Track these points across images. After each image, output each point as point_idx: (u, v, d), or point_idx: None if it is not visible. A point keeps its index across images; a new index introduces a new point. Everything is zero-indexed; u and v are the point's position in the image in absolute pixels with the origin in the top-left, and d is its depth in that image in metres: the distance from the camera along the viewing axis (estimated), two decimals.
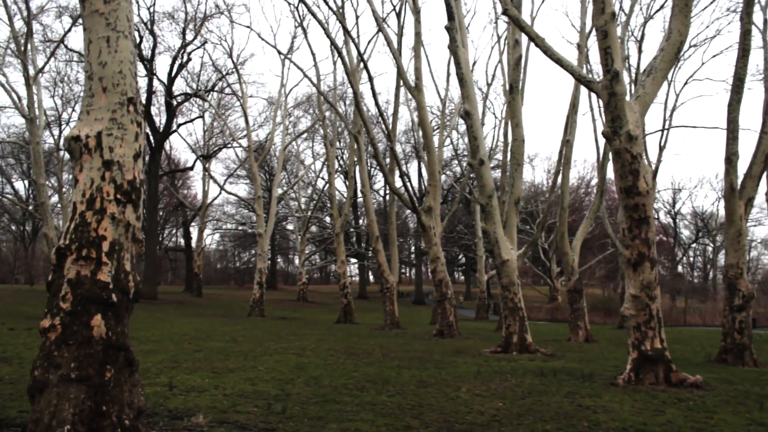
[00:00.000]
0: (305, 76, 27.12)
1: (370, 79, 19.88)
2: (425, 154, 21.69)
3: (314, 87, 28.04)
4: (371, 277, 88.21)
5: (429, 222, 21.08)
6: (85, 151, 5.69)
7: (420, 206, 21.33)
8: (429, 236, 21.05)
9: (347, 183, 62.19)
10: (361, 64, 28.34)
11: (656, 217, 57.70)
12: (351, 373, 11.08)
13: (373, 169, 59.73)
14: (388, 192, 69.55)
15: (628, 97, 10.65)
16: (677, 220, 79.69)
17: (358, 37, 28.38)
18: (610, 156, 11.73)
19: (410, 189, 20.93)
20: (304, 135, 53.28)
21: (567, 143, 21.47)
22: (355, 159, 32.03)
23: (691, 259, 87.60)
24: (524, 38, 17.30)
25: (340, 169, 58.48)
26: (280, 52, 29.54)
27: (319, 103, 32.47)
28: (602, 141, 32.43)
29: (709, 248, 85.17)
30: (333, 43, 21.00)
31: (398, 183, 33.97)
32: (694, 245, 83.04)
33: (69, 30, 30.54)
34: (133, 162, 5.83)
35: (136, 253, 5.81)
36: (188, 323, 25.01)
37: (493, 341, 20.16)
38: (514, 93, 16.85)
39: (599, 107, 34.22)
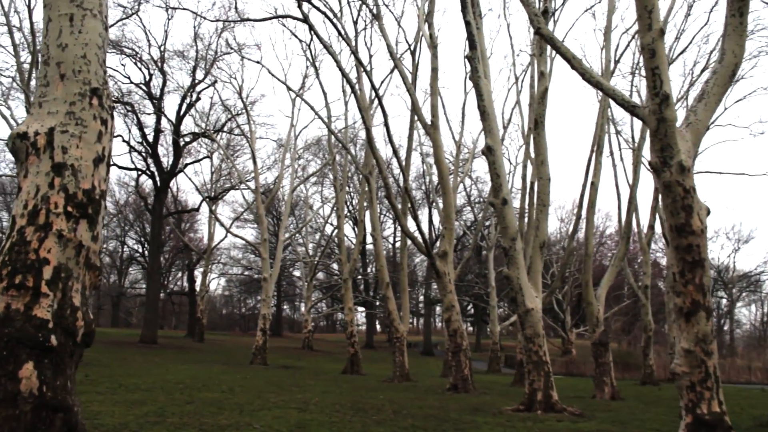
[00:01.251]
0: (316, 114, 26.16)
1: (384, 114, 18.78)
2: (438, 199, 20.58)
3: (325, 126, 27.04)
4: (377, 326, 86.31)
5: (444, 268, 19.74)
6: (32, 152, 4.43)
7: (434, 251, 20.02)
8: (444, 283, 19.68)
9: (356, 228, 61.22)
10: (375, 101, 27.43)
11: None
12: None
13: (382, 216, 58.65)
14: (398, 239, 68.39)
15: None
16: None
17: (371, 73, 27.42)
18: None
19: (424, 232, 19.60)
20: (313, 179, 52.42)
21: (592, 186, 20.21)
22: (366, 202, 30.94)
23: None
24: (549, 68, 16.17)
25: (349, 214, 57.31)
26: (290, 89, 28.70)
27: (329, 145, 31.47)
28: (623, 185, 31.13)
29: (723, 301, 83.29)
30: (346, 77, 19.96)
31: (410, 227, 32.73)
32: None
33: None
34: (93, 167, 4.58)
35: (92, 284, 4.51)
36: (185, 370, 23.55)
37: (512, 397, 18.64)
38: (539, 128, 15.69)
39: (619, 147, 32.96)
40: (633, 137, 31.05)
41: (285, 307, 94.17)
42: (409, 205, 21.20)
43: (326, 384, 20.34)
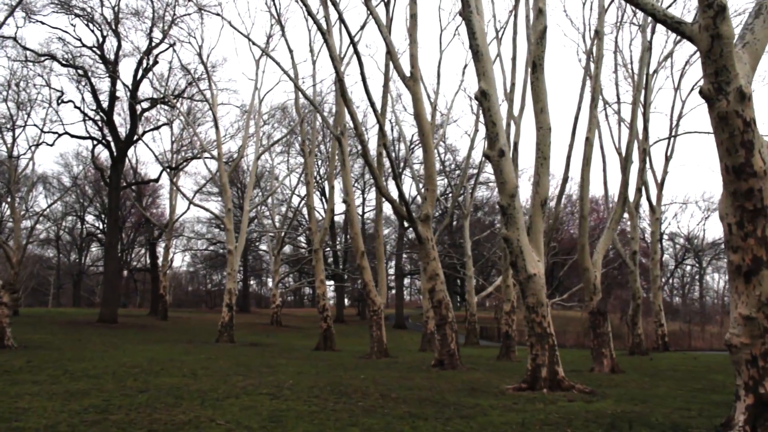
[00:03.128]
0: (283, 70, 23.95)
1: (360, 62, 16.77)
2: (412, 163, 18.74)
3: (291, 82, 24.88)
4: (346, 300, 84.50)
5: (426, 233, 17.95)
6: None
7: (416, 215, 18.20)
8: (426, 249, 17.90)
9: (326, 196, 59.25)
10: (347, 52, 25.41)
11: (642, 236, 55.20)
12: (348, 429, 7.88)
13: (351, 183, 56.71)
14: (368, 208, 66.58)
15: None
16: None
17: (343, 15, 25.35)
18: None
19: (404, 194, 17.75)
20: (279, 148, 50.24)
21: (587, 141, 18.52)
22: (337, 165, 28.96)
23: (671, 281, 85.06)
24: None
25: (317, 183, 55.20)
26: (254, 44, 26.40)
27: (296, 106, 29.33)
28: (624, 141, 29.64)
29: (688, 269, 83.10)
30: (315, 21, 17.90)
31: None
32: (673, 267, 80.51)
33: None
34: None
35: None
36: (145, 351, 21.56)
37: (505, 373, 17.03)
38: (537, 72, 13.87)
39: (619, 100, 31.34)
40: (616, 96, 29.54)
41: (252, 282, 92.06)
42: (388, 165, 19.30)
43: (299, 363, 18.53)
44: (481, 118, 34.79)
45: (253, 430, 7.67)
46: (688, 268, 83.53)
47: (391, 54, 18.40)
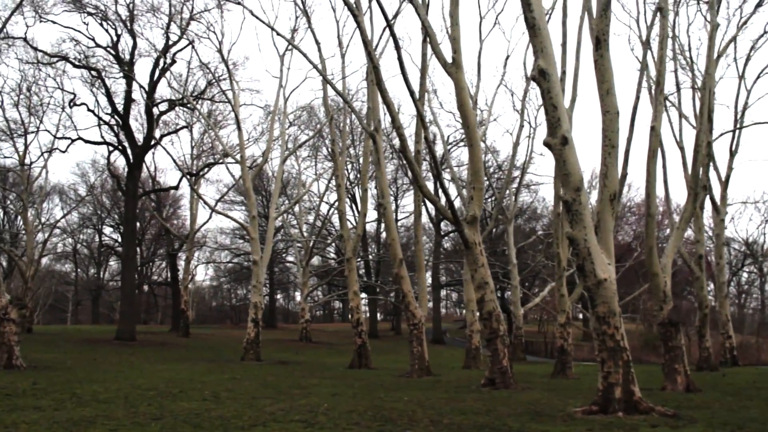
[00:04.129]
0: (310, 62, 23.08)
1: (397, 45, 15.80)
2: (451, 164, 17.69)
3: (318, 76, 23.98)
4: (378, 314, 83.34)
5: (474, 236, 16.86)
6: None
7: (462, 217, 17.11)
8: (474, 255, 16.80)
9: (356, 203, 58.35)
10: (380, 37, 24.49)
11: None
12: None
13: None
14: (402, 213, 65.43)
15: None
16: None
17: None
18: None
19: (449, 193, 16.69)
20: (306, 153, 49.51)
21: (653, 131, 17.32)
22: (371, 166, 27.97)
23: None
24: None
25: (348, 187, 54.29)
26: (279, 34, 25.35)
27: (325, 103, 28.42)
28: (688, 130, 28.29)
29: (745, 276, 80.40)
30: (346, 2, 16.97)
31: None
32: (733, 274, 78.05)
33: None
34: None
35: None
36: (163, 371, 20.73)
37: (565, 392, 15.90)
38: (601, 49, 12.78)
39: (678, 87, 29.90)
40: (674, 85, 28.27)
41: (278, 296, 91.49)
42: (431, 162, 18.25)
43: (333, 383, 17.52)
44: (527, 115, 33.81)
45: None
46: (745, 276, 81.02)
47: (430, 37, 17.37)
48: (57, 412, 10.60)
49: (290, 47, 28.94)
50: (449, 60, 17.25)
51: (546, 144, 11.99)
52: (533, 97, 36.02)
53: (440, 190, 17.08)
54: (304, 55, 23.34)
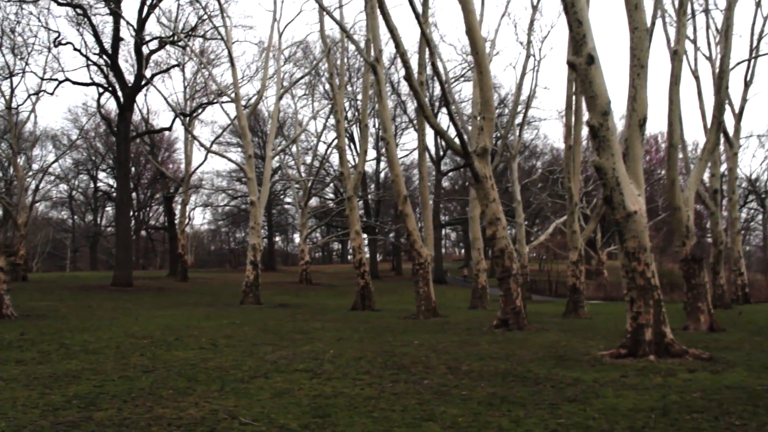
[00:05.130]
0: None
1: None
2: (454, 98, 16.51)
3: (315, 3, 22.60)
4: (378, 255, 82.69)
5: (484, 169, 15.84)
6: None
7: (472, 149, 16.04)
8: (485, 189, 15.79)
9: (355, 143, 57.15)
10: None
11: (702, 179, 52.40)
12: (423, 425, 5.94)
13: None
14: (403, 154, 64.20)
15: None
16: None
17: None
18: None
19: (458, 124, 15.59)
20: (302, 91, 48.20)
21: (675, 55, 16.16)
22: (370, 101, 26.77)
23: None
24: None
25: (347, 123, 52.98)
26: None
27: (322, 34, 27.06)
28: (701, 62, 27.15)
29: (744, 214, 79.38)
30: None
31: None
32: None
33: None
34: None
35: None
36: (159, 317, 19.86)
37: (582, 333, 15.07)
38: None
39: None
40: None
41: (277, 239, 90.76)
42: (441, 88, 17.07)
43: (337, 326, 16.68)
44: (533, 48, 32.44)
45: (292, 430, 5.74)
46: (745, 213, 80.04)
47: None
48: (40, 365, 9.71)
49: None
50: None
51: (570, 63, 10.88)
52: (538, 28, 34.53)
53: (449, 122, 15.83)
54: None
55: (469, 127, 26.61)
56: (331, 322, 18.41)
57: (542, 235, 41.12)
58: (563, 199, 49.61)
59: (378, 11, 21.79)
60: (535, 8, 29.72)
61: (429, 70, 27.36)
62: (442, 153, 62.17)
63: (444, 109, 47.89)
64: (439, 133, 16.03)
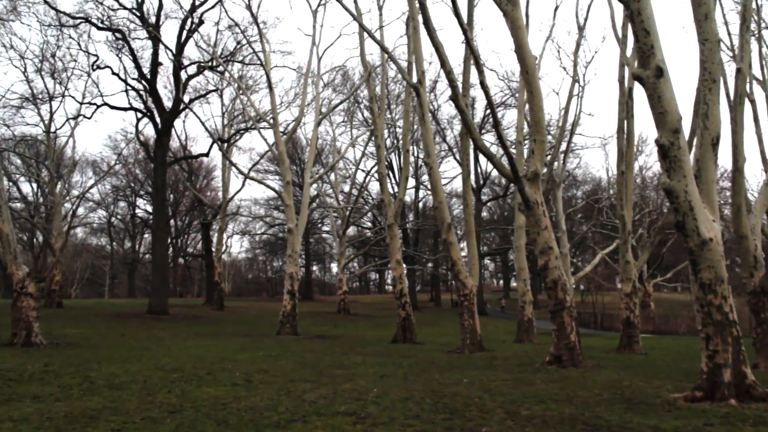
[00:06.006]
0: (345, 9, 21.13)
1: None
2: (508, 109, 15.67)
3: (355, 24, 21.95)
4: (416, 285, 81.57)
5: (535, 195, 14.93)
6: None
7: (522, 174, 15.14)
8: (537, 216, 14.87)
9: (396, 166, 56.47)
10: None
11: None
12: None
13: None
14: (445, 181, 63.27)
15: None
16: None
17: None
18: None
19: (508, 146, 14.74)
20: (340, 118, 47.76)
21: (739, 73, 15.16)
22: (411, 123, 26.00)
23: None
24: None
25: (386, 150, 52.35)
26: None
27: (362, 57, 26.47)
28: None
29: None
30: None
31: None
32: None
33: None
34: None
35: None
36: (193, 347, 19.18)
37: (643, 371, 14.01)
38: None
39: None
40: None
41: (314, 268, 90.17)
42: (488, 107, 16.23)
43: (379, 360, 15.77)
44: (578, 72, 31.45)
45: None
46: None
47: None
48: (58, 403, 8.96)
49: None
50: None
51: (636, 77, 9.99)
52: (582, 53, 33.56)
53: (498, 144, 14.93)
54: (339, 1, 21.30)
55: (513, 151, 25.67)
56: (372, 355, 17.51)
57: (588, 266, 39.82)
58: (607, 228, 48.44)
59: (420, 33, 21.23)
60: (581, 30, 28.85)
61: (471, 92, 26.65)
62: (482, 182, 61.29)
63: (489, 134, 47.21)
64: (487, 155, 15.14)
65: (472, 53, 14.90)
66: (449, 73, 15.12)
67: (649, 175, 59.37)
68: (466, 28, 14.40)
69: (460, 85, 18.43)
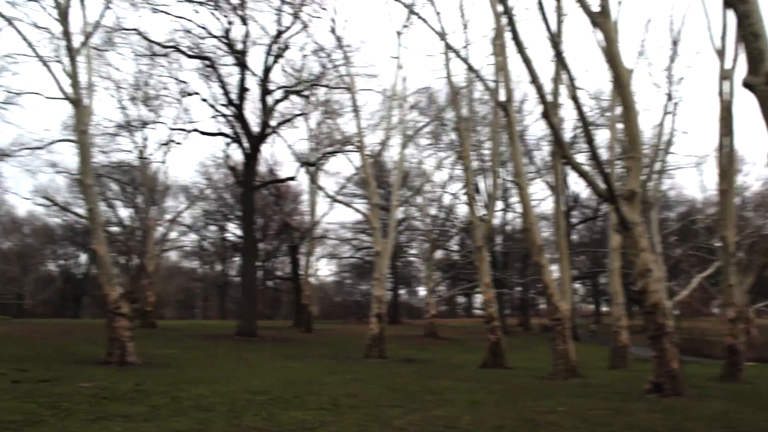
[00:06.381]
0: (431, 28, 20.94)
1: None
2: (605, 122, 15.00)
3: (440, 38, 21.65)
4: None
5: (633, 215, 14.25)
6: None
7: (618, 193, 14.49)
8: (634, 237, 14.17)
9: (481, 188, 55.84)
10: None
11: None
12: None
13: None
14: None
15: None
16: None
17: None
18: None
19: (602, 163, 14.15)
20: (426, 142, 47.59)
21: None
22: (499, 143, 25.54)
23: None
24: None
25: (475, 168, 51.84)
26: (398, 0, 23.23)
27: (447, 76, 26.19)
28: None
29: None
30: None
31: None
32: None
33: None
34: None
35: None
36: (281, 370, 19.11)
37: (751, 402, 13.07)
38: None
39: None
40: None
41: (402, 291, 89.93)
42: (580, 122, 15.69)
43: (469, 386, 15.29)
44: (671, 87, 30.35)
45: None
46: None
47: None
48: (146, 423, 8.89)
49: (409, 20, 26.85)
50: (597, 7, 14.69)
51: (746, 84, 9.34)
52: (674, 68, 32.31)
53: (592, 161, 14.38)
54: (425, 21, 21.14)
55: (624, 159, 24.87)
56: (462, 380, 17.03)
57: (685, 289, 38.23)
58: (703, 251, 46.46)
59: (507, 50, 20.80)
60: (675, 44, 27.84)
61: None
62: (571, 204, 60.02)
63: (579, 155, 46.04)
64: (581, 173, 14.56)
65: (564, 67, 14.41)
66: (540, 89, 14.66)
67: (748, 195, 56.95)
68: (558, 41, 13.94)
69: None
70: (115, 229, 45.62)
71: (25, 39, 20.54)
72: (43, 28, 20.81)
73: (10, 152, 33.75)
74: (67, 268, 79.40)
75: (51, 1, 20.31)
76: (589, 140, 13.84)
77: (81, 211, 41.76)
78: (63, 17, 20.25)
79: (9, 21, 20.44)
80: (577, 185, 62.93)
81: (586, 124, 13.69)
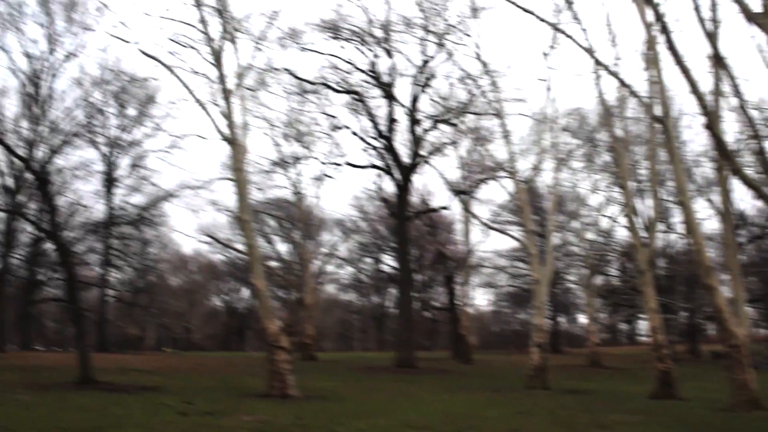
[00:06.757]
0: (578, 44, 20.23)
1: None
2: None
3: (589, 55, 20.85)
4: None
5: None
6: None
7: None
8: None
9: (645, 202, 53.66)
10: None
11: None
12: None
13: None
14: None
15: None
16: None
17: None
18: None
19: None
20: (579, 164, 46.24)
21: None
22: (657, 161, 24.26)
23: None
24: None
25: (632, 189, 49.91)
26: (543, 20, 22.60)
27: (599, 93, 25.31)
28: None
29: None
30: None
31: None
32: None
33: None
34: None
35: None
36: (440, 402, 18.79)
37: None
38: None
39: None
40: None
41: (561, 319, 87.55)
42: (747, 133, 14.61)
43: (642, 419, 14.43)
44: None
45: None
46: None
47: None
48: None
49: (555, 40, 26.22)
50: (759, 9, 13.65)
51: None
52: None
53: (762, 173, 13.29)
54: (572, 38, 20.47)
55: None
56: (633, 413, 16.08)
57: None
58: None
59: (660, 62, 19.77)
60: None
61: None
62: (738, 222, 56.43)
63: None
64: (751, 185, 13.51)
65: (728, 74, 13.45)
66: (701, 99, 13.76)
67: None
68: (718, 48, 13.05)
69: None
70: (273, 263, 47.18)
71: (185, 85, 21.67)
72: (200, 73, 21.78)
73: (175, 193, 35.68)
74: (230, 303, 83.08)
75: (207, 48, 21.35)
76: (760, 150, 12.81)
77: (241, 247, 43.62)
78: (218, 61, 21.28)
79: (170, 69, 21.65)
80: (743, 202, 59.13)
81: (755, 130, 12.70)
